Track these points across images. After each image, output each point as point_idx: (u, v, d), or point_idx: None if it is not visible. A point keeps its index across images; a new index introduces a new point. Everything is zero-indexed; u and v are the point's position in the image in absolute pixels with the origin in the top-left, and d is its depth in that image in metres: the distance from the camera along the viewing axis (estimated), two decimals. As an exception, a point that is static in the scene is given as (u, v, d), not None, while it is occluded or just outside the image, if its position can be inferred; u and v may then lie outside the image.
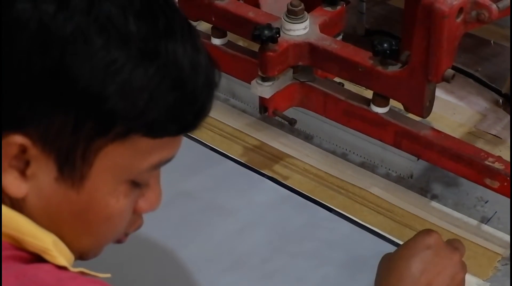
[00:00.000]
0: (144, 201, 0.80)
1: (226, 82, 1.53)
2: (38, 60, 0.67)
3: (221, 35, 1.44)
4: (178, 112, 0.72)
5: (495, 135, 1.49)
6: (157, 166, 0.77)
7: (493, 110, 1.55)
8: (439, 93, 1.58)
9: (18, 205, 0.72)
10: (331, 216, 1.33)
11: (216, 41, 1.44)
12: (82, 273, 0.75)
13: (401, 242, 1.27)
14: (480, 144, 1.46)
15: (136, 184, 0.76)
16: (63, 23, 0.67)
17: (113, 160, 0.72)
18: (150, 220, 1.29)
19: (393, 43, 1.22)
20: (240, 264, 1.23)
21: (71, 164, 0.71)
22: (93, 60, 0.67)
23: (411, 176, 1.37)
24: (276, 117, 1.36)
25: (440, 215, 1.34)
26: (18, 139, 0.69)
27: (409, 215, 1.34)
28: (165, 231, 1.27)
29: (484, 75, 1.63)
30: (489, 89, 1.59)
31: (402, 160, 1.36)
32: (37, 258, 0.72)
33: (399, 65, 1.23)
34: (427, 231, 1.00)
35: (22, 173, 0.71)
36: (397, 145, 1.29)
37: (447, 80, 1.18)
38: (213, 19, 1.42)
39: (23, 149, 0.69)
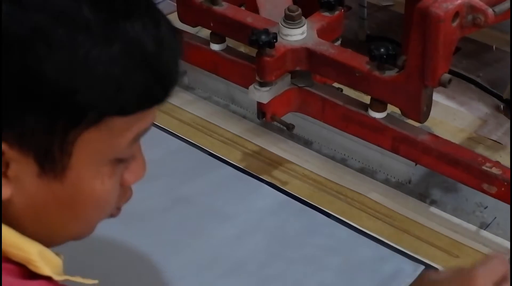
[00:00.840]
0: (129, 173, 0.80)
1: (225, 87, 1.53)
2: (2, 63, 0.66)
3: (220, 40, 1.44)
4: (148, 89, 0.72)
5: (495, 141, 1.49)
6: (136, 139, 0.77)
7: (494, 116, 1.55)
8: (440, 98, 1.59)
9: (4, 207, 0.73)
10: (329, 221, 1.32)
11: (215, 47, 1.44)
12: (68, 280, 0.75)
13: (399, 247, 1.27)
14: (480, 150, 1.46)
15: (119, 160, 0.76)
16: (19, 22, 0.66)
17: (91, 146, 0.72)
18: (148, 223, 1.30)
19: (390, 48, 1.22)
20: (237, 269, 1.23)
21: (51, 159, 0.71)
22: (56, 55, 0.66)
23: (409, 182, 1.37)
24: (275, 122, 1.36)
25: (439, 220, 1.33)
26: None
27: (408, 221, 1.34)
28: (163, 236, 1.28)
29: (486, 80, 1.62)
30: (490, 94, 1.59)
31: (400, 166, 1.35)
32: (22, 268, 0.72)
33: (396, 70, 1.23)
34: (487, 267, 0.87)
35: (4, 175, 0.71)
36: (395, 151, 1.29)
37: (443, 84, 1.18)
38: (212, 24, 1.42)
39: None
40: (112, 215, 0.82)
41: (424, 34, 1.14)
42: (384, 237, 1.30)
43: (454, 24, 1.14)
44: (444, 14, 1.11)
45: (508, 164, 1.41)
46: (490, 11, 1.14)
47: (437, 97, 1.59)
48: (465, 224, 1.33)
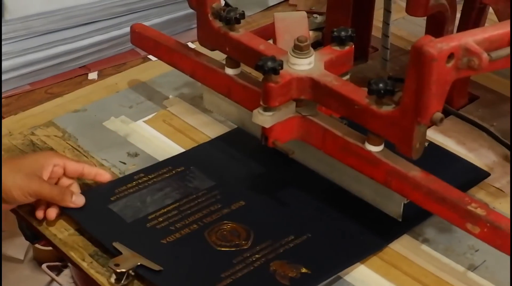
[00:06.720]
0: None
1: (237, 111, 1.58)
2: None
3: (235, 65, 1.50)
4: None
5: (498, 188, 1.51)
6: None
7: (501, 165, 1.56)
8: (450, 143, 1.62)
9: None
10: (319, 248, 1.35)
11: (229, 71, 1.50)
12: None
13: (385, 280, 1.29)
14: (481, 195, 1.48)
15: None
16: None
17: None
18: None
19: (388, 83, 1.26)
20: None
21: None
22: None
23: (400, 217, 1.39)
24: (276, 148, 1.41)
25: (428, 258, 1.35)
26: None
27: (398, 256, 1.36)
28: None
29: (499, 130, 1.64)
30: (500, 143, 1.61)
31: (392, 201, 1.38)
32: None
33: (393, 105, 1.27)
34: None
35: None
36: (387, 185, 1.32)
37: (435, 123, 1.21)
38: (227, 49, 1.48)
39: None
40: None
41: (418, 72, 1.17)
42: (372, 269, 1.33)
43: (449, 65, 1.17)
44: (438, 54, 1.15)
45: (507, 212, 1.44)
46: (485, 55, 1.17)
47: (447, 141, 1.63)
48: (453, 264, 1.35)
